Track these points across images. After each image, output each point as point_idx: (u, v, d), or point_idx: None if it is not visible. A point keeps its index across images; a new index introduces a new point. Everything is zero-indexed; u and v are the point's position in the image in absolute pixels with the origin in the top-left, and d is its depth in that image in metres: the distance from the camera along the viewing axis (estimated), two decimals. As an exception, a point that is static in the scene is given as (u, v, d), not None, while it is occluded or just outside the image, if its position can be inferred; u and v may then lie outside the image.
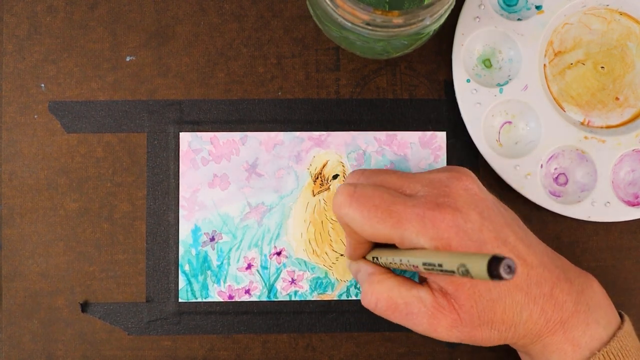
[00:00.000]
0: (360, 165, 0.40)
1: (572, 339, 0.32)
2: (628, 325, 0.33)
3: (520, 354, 0.35)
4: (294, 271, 0.40)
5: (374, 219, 0.31)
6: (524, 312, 0.32)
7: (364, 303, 0.34)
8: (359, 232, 0.32)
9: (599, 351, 0.32)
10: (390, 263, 0.33)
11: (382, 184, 0.34)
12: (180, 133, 0.40)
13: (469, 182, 0.33)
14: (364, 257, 0.36)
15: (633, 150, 0.40)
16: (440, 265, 0.28)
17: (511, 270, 0.23)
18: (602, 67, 0.41)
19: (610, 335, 0.32)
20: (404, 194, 0.33)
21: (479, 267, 0.24)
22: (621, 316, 0.35)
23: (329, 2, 0.33)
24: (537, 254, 0.33)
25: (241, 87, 0.41)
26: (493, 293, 0.31)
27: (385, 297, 0.33)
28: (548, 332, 0.32)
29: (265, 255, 0.40)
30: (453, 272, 0.26)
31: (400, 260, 0.32)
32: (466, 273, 0.25)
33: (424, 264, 0.29)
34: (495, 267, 0.23)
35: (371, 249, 0.36)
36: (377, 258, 0.35)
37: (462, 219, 0.31)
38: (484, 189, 0.34)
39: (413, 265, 0.30)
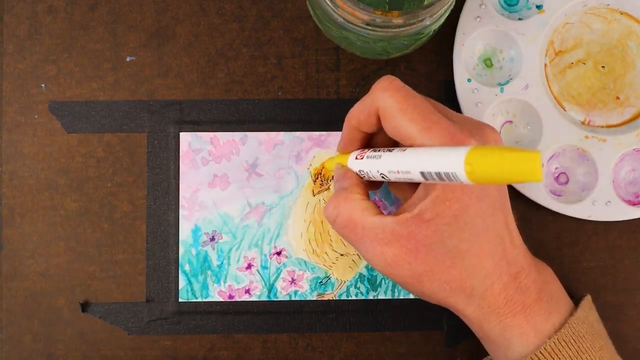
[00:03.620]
0: (360, 165, 0.40)
1: (534, 325, 0.32)
2: (581, 311, 0.33)
3: (482, 339, 0.35)
4: (294, 271, 0.40)
5: (407, 116, 0.30)
6: (487, 281, 0.31)
7: (325, 214, 0.33)
8: (385, 119, 0.31)
9: (549, 339, 0.32)
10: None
11: None
12: (181, 133, 0.40)
13: (498, 137, 0.33)
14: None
15: (634, 149, 0.40)
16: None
17: None
18: (603, 67, 0.41)
19: (563, 322, 0.33)
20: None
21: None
22: (579, 300, 0.35)
23: (329, 2, 0.33)
24: (521, 241, 0.33)
25: (241, 87, 0.41)
26: (464, 244, 0.31)
27: (346, 216, 0.32)
28: (509, 312, 0.32)
29: (265, 255, 0.40)
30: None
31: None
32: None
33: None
34: None
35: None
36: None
37: None
38: None
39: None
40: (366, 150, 0.34)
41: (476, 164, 0.24)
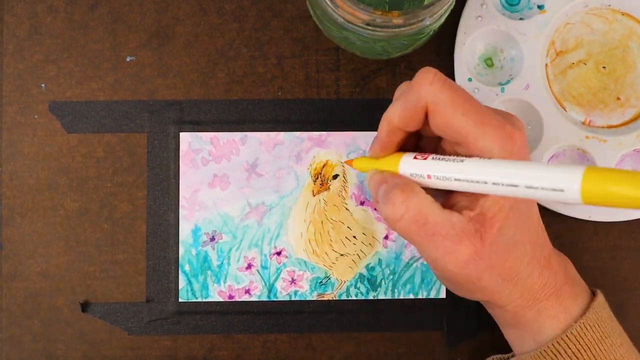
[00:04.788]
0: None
1: (564, 307, 0.32)
2: (601, 296, 0.34)
3: (510, 326, 0.34)
4: (294, 271, 0.40)
5: (459, 109, 0.29)
6: (528, 267, 0.31)
7: (387, 212, 0.30)
8: (436, 114, 0.30)
9: (576, 322, 0.32)
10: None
11: None
12: (181, 133, 0.40)
13: (523, 128, 0.31)
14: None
15: (634, 150, 0.40)
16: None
17: None
18: (604, 67, 0.40)
19: (587, 307, 0.33)
20: None
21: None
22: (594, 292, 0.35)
23: (329, 2, 0.33)
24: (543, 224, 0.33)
25: (241, 87, 0.41)
26: (517, 236, 0.30)
27: (415, 211, 0.29)
28: (544, 296, 0.32)
29: (265, 255, 0.40)
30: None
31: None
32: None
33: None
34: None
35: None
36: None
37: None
38: None
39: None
40: (418, 154, 0.31)
41: (594, 185, 0.24)
